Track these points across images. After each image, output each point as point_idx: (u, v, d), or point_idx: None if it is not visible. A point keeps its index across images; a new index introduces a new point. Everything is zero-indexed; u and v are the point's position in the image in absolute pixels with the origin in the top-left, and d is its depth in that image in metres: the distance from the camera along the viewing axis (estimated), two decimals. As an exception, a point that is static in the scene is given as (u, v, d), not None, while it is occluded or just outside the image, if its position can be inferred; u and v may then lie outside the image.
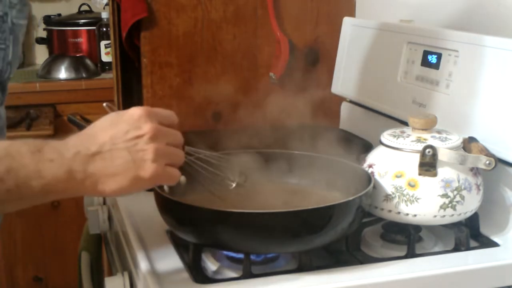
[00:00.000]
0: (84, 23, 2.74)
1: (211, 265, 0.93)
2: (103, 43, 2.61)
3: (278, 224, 0.84)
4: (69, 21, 2.78)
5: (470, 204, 0.95)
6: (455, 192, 0.93)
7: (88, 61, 2.59)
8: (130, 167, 0.73)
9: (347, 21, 1.46)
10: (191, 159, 0.92)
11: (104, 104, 0.98)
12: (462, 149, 0.97)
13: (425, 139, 0.96)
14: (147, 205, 0.97)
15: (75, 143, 0.74)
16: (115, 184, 0.73)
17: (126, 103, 1.58)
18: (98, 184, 0.73)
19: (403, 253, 0.95)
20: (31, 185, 0.70)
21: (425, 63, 1.19)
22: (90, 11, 2.88)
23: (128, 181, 0.74)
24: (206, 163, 0.95)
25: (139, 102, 1.53)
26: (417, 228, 0.99)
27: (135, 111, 0.76)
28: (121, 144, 0.74)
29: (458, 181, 0.94)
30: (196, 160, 0.94)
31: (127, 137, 0.74)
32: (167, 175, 0.77)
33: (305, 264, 0.89)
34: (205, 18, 1.45)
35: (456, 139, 0.97)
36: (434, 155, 0.93)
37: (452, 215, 0.94)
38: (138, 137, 0.74)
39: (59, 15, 2.87)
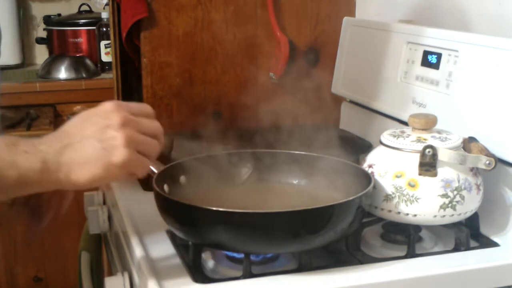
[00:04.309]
0: (84, 23, 2.74)
1: (211, 265, 0.93)
2: (103, 43, 2.61)
3: (278, 224, 0.84)
4: (69, 21, 2.78)
5: (470, 204, 0.95)
6: (455, 192, 0.93)
7: (88, 61, 2.59)
8: (101, 154, 0.75)
9: (347, 21, 1.46)
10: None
11: (76, 108, 1.02)
12: (462, 149, 0.97)
13: (425, 139, 0.96)
14: (147, 205, 0.97)
15: (49, 138, 0.76)
16: (88, 172, 0.75)
17: (126, 103, 1.58)
18: (71, 174, 0.75)
19: (403, 253, 0.95)
20: (7, 175, 0.72)
21: (425, 63, 1.19)
22: (90, 11, 2.88)
23: (99, 169, 0.75)
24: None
25: (139, 102, 1.53)
26: (417, 228, 0.99)
27: (105, 105, 0.78)
28: (90, 134, 0.76)
29: (458, 181, 0.94)
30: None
31: (96, 128, 0.76)
32: (139, 163, 0.78)
33: (305, 264, 0.89)
34: (205, 18, 1.45)
35: (456, 139, 0.97)
36: (434, 155, 0.93)
37: (452, 215, 0.94)
38: (107, 126, 0.76)
39: (59, 15, 2.87)
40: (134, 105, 0.81)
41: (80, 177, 0.75)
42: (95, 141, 0.75)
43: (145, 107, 0.83)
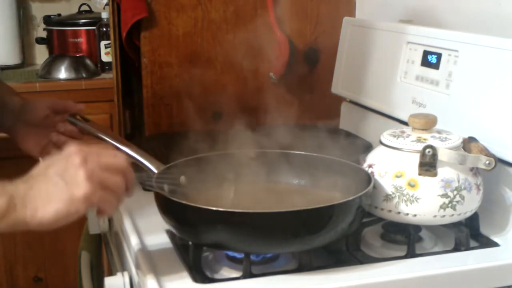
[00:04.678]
0: (84, 23, 2.73)
1: (211, 265, 0.93)
2: (103, 43, 2.61)
3: (278, 224, 0.84)
4: (69, 21, 2.77)
5: (470, 204, 0.95)
6: (455, 192, 0.93)
7: (88, 61, 2.59)
8: (64, 189, 0.77)
9: (347, 21, 1.46)
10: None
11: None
12: (462, 149, 0.97)
13: (425, 139, 0.96)
14: (147, 205, 0.97)
15: (16, 182, 0.79)
16: (52, 208, 0.77)
17: (126, 103, 1.59)
18: (37, 212, 0.77)
19: (403, 253, 0.95)
20: None
21: (425, 63, 1.19)
22: (90, 11, 2.88)
23: (63, 203, 0.77)
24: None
25: (139, 102, 1.53)
26: (417, 228, 0.99)
27: (68, 148, 0.81)
28: (53, 174, 0.79)
29: (458, 181, 0.94)
30: None
31: (59, 168, 0.79)
32: (104, 198, 0.80)
33: (305, 264, 0.89)
34: (205, 18, 1.45)
35: (456, 139, 0.97)
36: (434, 155, 0.93)
37: (452, 215, 0.94)
38: (69, 165, 0.79)
39: (59, 15, 2.87)
40: (97, 146, 0.84)
41: (45, 214, 0.77)
42: (58, 179, 0.78)
43: (107, 146, 0.87)
